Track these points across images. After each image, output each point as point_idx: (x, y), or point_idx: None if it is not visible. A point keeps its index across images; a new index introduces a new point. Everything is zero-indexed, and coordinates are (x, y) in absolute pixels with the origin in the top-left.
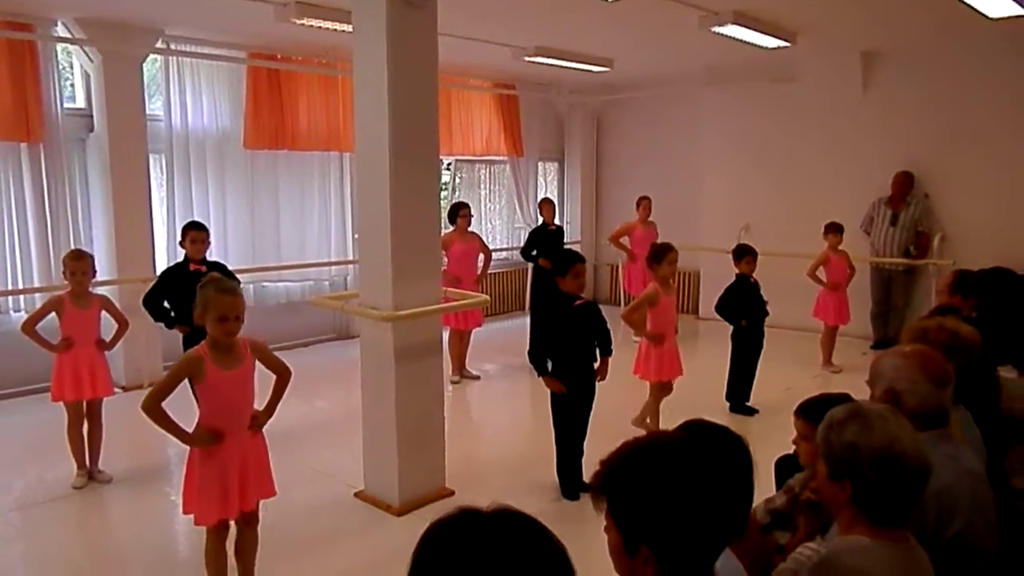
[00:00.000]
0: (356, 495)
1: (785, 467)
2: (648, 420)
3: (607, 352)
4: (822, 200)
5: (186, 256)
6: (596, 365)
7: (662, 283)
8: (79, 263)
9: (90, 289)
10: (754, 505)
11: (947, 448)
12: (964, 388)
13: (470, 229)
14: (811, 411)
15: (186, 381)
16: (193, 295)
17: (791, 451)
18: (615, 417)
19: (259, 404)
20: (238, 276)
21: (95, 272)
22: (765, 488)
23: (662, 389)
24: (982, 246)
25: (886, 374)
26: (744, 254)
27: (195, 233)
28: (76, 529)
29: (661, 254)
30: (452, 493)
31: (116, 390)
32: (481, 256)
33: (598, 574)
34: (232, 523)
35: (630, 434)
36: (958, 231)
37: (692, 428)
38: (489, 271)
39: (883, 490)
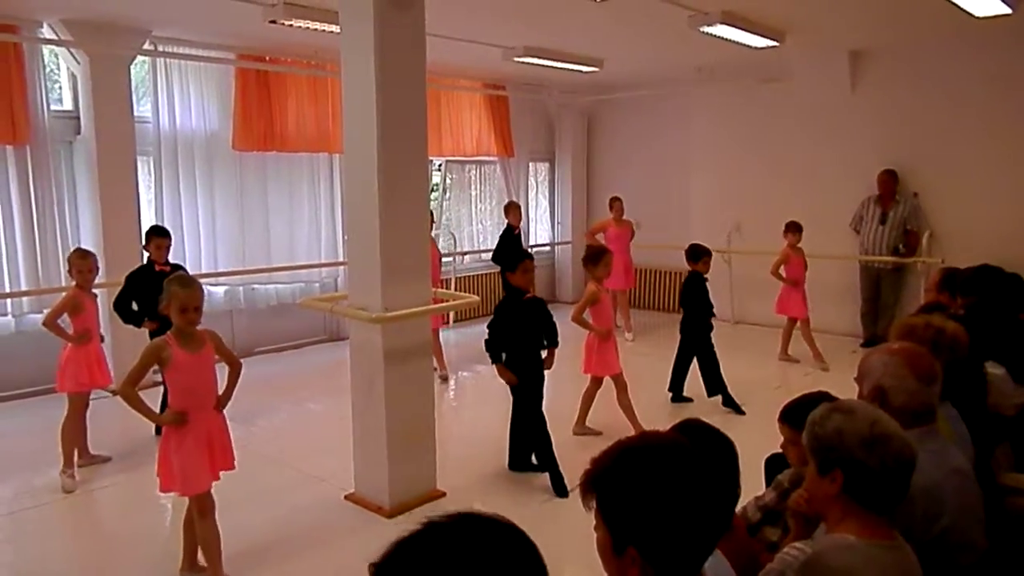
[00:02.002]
0: (346, 497)
1: (775, 465)
2: (586, 422)
3: (554, 343)
4: (811, 199)
5: (150, 259)
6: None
7: (597, 283)
8: (84, 261)
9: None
10: (744, 503)
11: (934, 445)
12: (951, 385)
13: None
14: (793, 416)
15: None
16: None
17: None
18: (574, 415)
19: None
20: (227, 279)
21: (98, 269)
22: (755, 485)
23: (592, 384)
24: (970, 244)
25: (874, 371)
26: (702, 255)
27: (159, 239)
28: (65, 532)
29: (597, 257)
30: (443, 494)
31: (106, 393)
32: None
33: (588, 572)
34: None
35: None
36: (947, 229)
37: (685, 428)
38: (475, 272)
39: (873, 471)
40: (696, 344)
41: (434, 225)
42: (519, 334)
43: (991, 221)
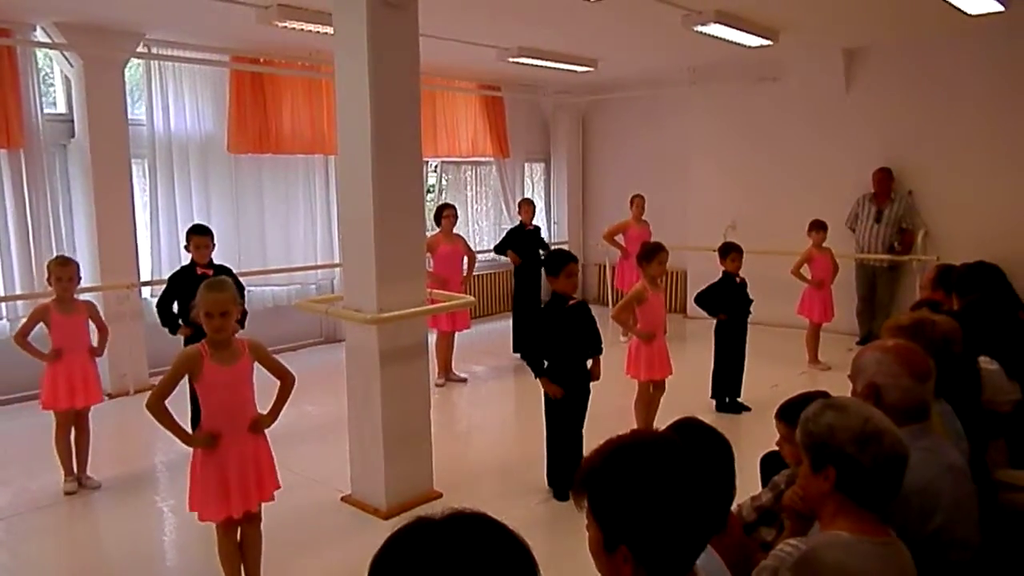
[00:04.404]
0: (343, 499)
1: (771, 464)
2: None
3: (597, 351)
4: (807, 198)
5: (192, 260)
6: (589, 365)
7: (650, 282)
8: (64, 269)
9: (75, 296)
10: (740, 502)
11: (928, 442)
12: (945, 381)
13: (455, 231)
14: (789, 413)
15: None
16: None
17: (777, 448)
18: (611, 418)
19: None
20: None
21: (80, 278)
22: (751, 485)
23: (654, 388)
24: (965, 242)
25: (868, 368)
26: (728, 252)
27: (198, 239)
28: (62, 538)
29: (652, 253)
30: (440, 496)
31: (103, 397)
32: (465, 259)
33: (582, 572)
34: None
35: None
36: (941, 227)
37: (681, 427)
38: (475, 273)
39: (866, 468)
40: (726, 346)
41: (458, 220)
42: (564, 344)
43: (986, 219)
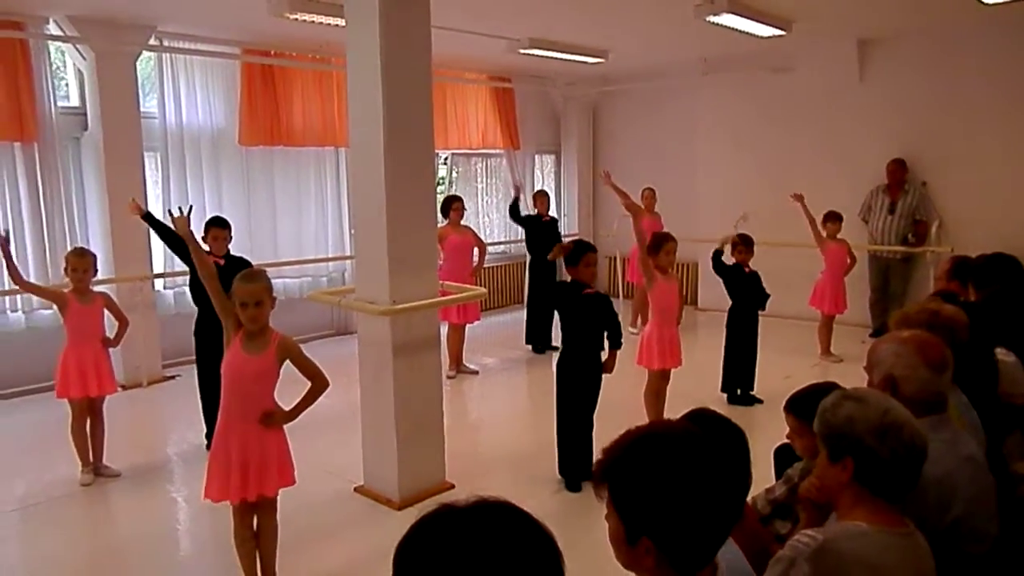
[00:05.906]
0: (356, 490)
1: (784, 456)
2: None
3: (616, 345)
4: (820, 189)
5: (209, 252)
6: (604, 357)
7: (661, 272)
8: (81, 260)
9: (91, 287)
10: (754, 495)
11: (946, 434)
12: (959, 371)
13: (463, 222)
14: (799, 406)
15: None
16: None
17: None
18: (619, 408)
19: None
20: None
21: (97, 270)
22: (765, 477)
23: (661, 378)
24: (980, 233)
25: (885, 360)
26: (735, 245)
27: (216, 231)
28: (77, 529)
29: (658, 244)
30: (452, 487)
31: (117, 388)
32: (475, 250)
33: (602, 564)
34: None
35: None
36: (956, 218)
37: (695, 417)
38: (486, 265)
39: (884, 459)
40: (738, 337)
41: (466, 212)
42: (576, 332)
43: (1001, 210)
